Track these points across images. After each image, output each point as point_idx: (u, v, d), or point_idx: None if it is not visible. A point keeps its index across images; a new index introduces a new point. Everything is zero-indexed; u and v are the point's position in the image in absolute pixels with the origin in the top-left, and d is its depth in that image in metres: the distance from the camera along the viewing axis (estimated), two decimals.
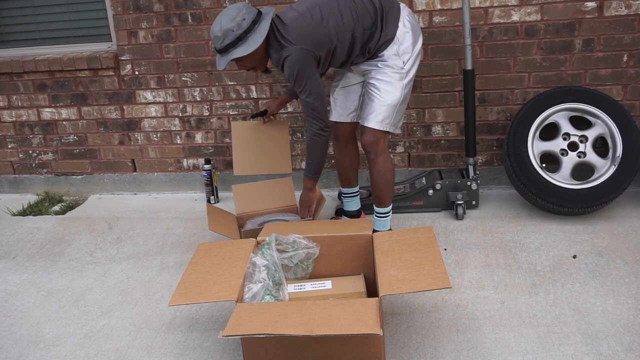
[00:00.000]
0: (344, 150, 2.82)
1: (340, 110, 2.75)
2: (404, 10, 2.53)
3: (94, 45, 3.64)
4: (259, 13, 2.41)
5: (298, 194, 3.09)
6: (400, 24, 2.48)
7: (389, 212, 2.73)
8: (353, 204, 2.98)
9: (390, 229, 2.77)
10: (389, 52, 2.48)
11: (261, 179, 3.32)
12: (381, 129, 2.52)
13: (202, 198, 3.62)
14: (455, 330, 2.11)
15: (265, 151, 2.98)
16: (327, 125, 2.51)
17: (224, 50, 2.41)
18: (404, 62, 2.49)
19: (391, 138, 3.36)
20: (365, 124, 2.54)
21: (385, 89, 2.49)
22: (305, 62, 2.39)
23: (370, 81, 2.53)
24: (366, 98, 2.56)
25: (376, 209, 2.73)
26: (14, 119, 3.76)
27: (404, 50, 2.48)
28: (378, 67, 2.50)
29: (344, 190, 2.95)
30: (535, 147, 2.93)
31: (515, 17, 3.07)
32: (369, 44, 2.48)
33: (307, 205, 2.74)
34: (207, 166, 3.46)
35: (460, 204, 3.00)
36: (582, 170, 2.92)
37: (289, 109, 3.43)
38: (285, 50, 2.39)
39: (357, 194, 2.97)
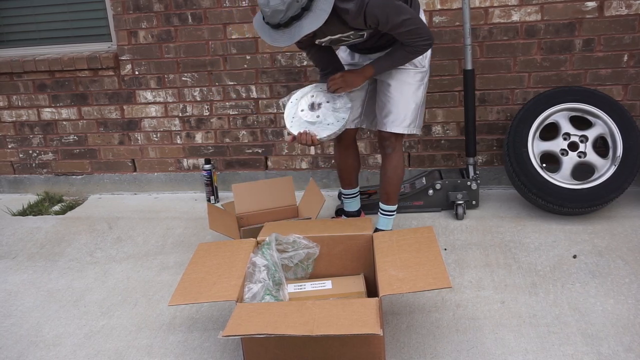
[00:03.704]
0: (346, 152, 2.81)
1: None
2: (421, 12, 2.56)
3: (94, 45, 3.64)
4: None
5: (298, 194, 3.09)
6: None
7: (394, 210, 2.73)
8: (353, 205, 2.98)
9: (391, 229, 2.77)
10: None
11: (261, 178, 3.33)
12: (408, 132, 2.53)
13: (202, 198, 3.62)
14: (455, 330, 2.11)
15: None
16: (432, 36, 2.34)
17: (286, 25, 2.07)
18: (425, 58, 2.52)
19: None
20: (390, 130, 2.52)
21: (408, 90, 2.49)
22: None
23: (389, 81, 2.50)
24: (384, 99, 2.53)
25: (383, 206, 2.72)
26: (14, 119, 3.76)
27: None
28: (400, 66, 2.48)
29: (345, 191, 2.94)
30: (535, 147, 2.93)
31: (515, 17, 3.07)
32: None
33: (348, 83, 2.44)
34: (207, 166, 3.46)
35: (460, 204, 3.00)
36: (582, 170, 2.91)
37: None
38: None
39: (357, 194, 2.97)
